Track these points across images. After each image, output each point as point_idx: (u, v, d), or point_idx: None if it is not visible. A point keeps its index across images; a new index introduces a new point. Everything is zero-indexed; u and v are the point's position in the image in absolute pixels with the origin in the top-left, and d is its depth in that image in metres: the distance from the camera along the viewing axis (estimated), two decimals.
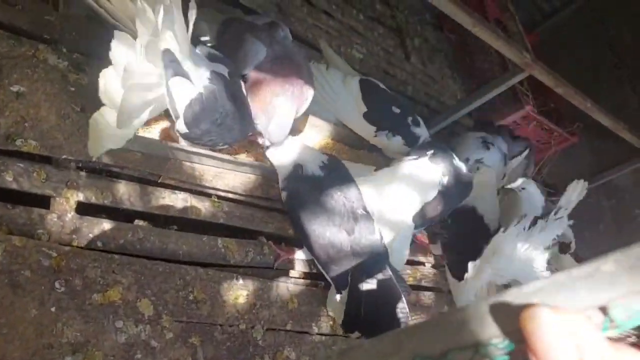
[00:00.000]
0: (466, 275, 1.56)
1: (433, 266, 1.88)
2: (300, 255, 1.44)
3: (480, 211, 1.77)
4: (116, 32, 0.97)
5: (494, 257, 1.52)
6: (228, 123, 1.25)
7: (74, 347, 0.96)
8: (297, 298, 1.39)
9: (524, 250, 1.61)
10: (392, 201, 1.47)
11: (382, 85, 1.81)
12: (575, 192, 1.73)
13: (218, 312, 1.21)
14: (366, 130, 1.76)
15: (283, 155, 1.40)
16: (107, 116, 1.00)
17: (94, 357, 0.98)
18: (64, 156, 1.11)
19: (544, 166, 2.98)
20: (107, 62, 0.98)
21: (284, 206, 1.42)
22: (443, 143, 1.84)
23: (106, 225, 1.13)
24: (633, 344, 0.31)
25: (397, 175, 1.51)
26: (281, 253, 1.41)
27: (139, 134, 1.27)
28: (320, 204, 1.30)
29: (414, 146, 1.71)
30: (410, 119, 1.76)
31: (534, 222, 1.61)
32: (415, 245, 1.85)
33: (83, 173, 1.15)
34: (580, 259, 2.16)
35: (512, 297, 0.34)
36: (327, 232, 1.28)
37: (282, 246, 1.44)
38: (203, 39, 1.45)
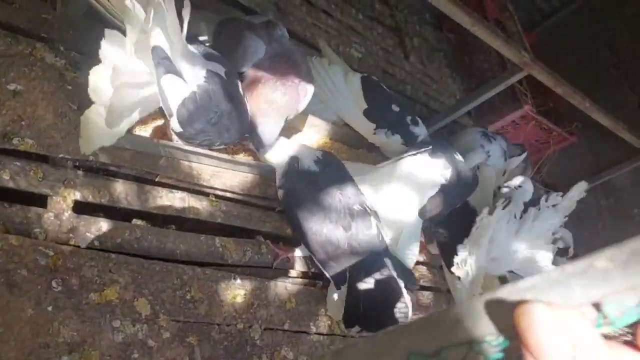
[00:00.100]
0: (455, 259, 1.56)
1: (431, 266, 1.88)
2: (298, 253, 1.44)
3: (478, 210, 1.77)
4: (107, 31, 0.97)
5: (482, 241, 1.51)
6: (224, 123, 1.24)
7: (70, 346, 0.96)
8: (295, 297, 1.38)
9: (524, 243, 1.61)
10: (396, 197, 1.48)
11: (381, 84, 1.81)
12: (577, 192, 1.73)
13: (215, 312, 1.20)
14: (365, 127, 1.76)
15: (280, 154, 1.39)
16: (97, 114, 1.00)
17: (91, 356, 0.97)
18: (60, 155, 1.11)
19: (543, 166, 2.98)
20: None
21: (280, 204, 1.42)
22: (443, 140, 1.84)
23: (103, 224, 1.12)
24: (626, 342, 0.30)
25: (399, 171, 1.52)
26: (279, 252, 1.41)
27: (136, 133, 1.27)
28: (317, 201, 1.30)
29: (412, 145, 1.71)
30: (409, 118, 1.76)
31: (525, 210, 1.61)
32: None
33: (80, 172, 1.14)
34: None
35: (506, 293, 0.33)
36: (324, 228, 1.28)
37: (280, 245, 1.43)
38: (201, 38, 1.45)
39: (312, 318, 1.40)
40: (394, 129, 1.72)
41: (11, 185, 1.03)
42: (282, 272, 1.44)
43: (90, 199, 1.13)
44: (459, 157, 1.61)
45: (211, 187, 1.35)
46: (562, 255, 1.88)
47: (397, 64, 2.47)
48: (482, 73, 2.86)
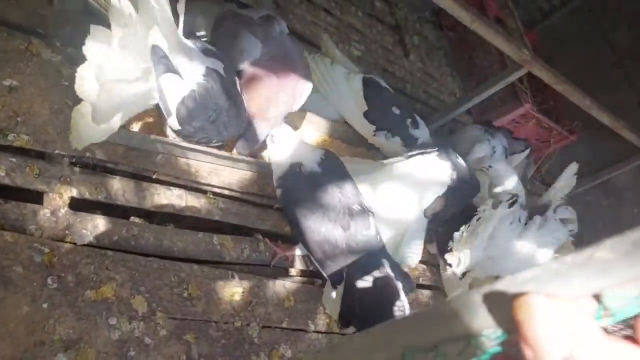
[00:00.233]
0: (450, 243, 1.56)
1: (430, 265, 1.87)
2: (297, 251, 1.43)
3: (474, 203, 1.77)
4: (92, 27, 0.96)
5: (481, 232, 1.51)
6: (222, 120, 1.24)
7: (66, 344, 0.95)
8: (293, 295, 1.37)
9: (524, 250, 1.61)
10: (402, 195, 1.48)
11: (384, 84, 1.80)
12: (569, 174, 1.75)
13: (213, 309, 1.20)
14: (365, 128, 1.76)
15: (281, 152, 1.38)
16: (87, 110, 0.99)
17: (87, 354, 0.96)
18: (57, 151, 1.10)
19: (543, 164, 2.98)
20: None
21: (279, 202, 1.41)
22: (445, 141, 1.84)
23: (100, 221, 1.12)
24: (626, 337, 0.30)
25: (406, 170, 1.52)
26: (278, 250, 1.40)
27: (133, 129, 1.26)
28: (316, 200, 1.29)
29: (412, 147, 1.71)
30: (409, 120, 1.76)
31: (531, 217, 1.60)
32: None
33: (77, 168, 1.13)
34: None
35: (505, 286, 0.33)
36: (322, 227, 1.27)
37: (278, 243, 1.43)
38: (199, 33, 1.44)
39: (310, 316, 1.39)
40: (393, 131, 1.73)
41: (7, 181, 1.02)
42: (281, 270, 1.43)
43: (86, 195, 1.12)
44: (461, 160, 1.61)
45: (209, 185, 1.35)
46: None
47: (396, 62, 2.46)
48: (482, 71, 2.85)
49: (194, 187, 1.33)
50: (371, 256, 1.32)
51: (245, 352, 1.21)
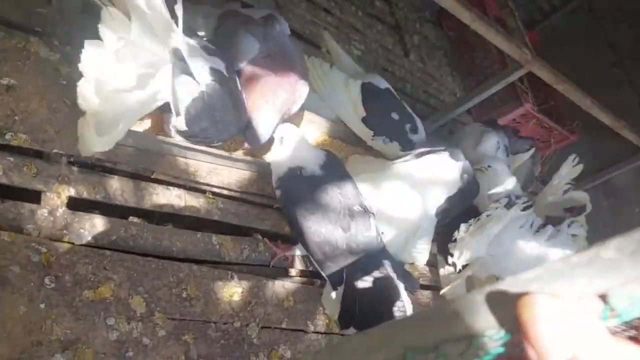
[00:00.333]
0: (456, 234, 1.56)
1: (431, 265, 1.86)
2: (297, 252, 1.43)
3: (474, 203, 1.77)
4: (86, 41, 0.96)
5: (489, 228, 1.51)
6: (226, 119, 1.23)
7: (63, 344, 0.94)
8: (293, 296, 1.37)
9: (527, 257, 1.60)
10: (413, 195, 1.48)
11: (383, 86, 1.79)
12: (568, 165, 1.77)
13: (212, 310, 1.19)
14: (363, 133, 1.77)
15: (282, 152, 1.37)
16: (91, 121, 0.99)
17: (84, 354, 0.96)
18: (55, 150, 1.09)
19: (543, 164, 2.97)
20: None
21: (278, 203, 1.40)
22: (444, 142, 1.85)
23: (98, 221, 1.11)
24: (631, 338, 0.29)
25: (418, 169, 1.52)
26: (277, 251, 1.39)
27: (132, 129, 1.25)
28: (316, 201, 1.28)
29: (411, 150, 1.71)
30: (408, 126, 1.77)
31: (544, 226, 1.60)
32: None
33: (75, 168, 1.13)
34: None
35: (508, 285, 0.32)
36: (322, 229, 1.26)
37: (278, 243, 1.42)
38: (200, 33, 1.43)
39: (310, 316, 1.38)
40: (392, 136, 1.73)
41: (4, 181, 1.02)
42: (280, 270, 1.42)
43: (85, 195, 1.11)
44: (467, 161, 1.61)
45: (208, 184, 1.34)
46: (579, 213, 1.87)
47: (396, 62, 2.46)
48: (482, 71, 2.84)
49: (193, 186, 1.32)
50: (371, 257, 1.31)
51: (244, 353, 1.20)
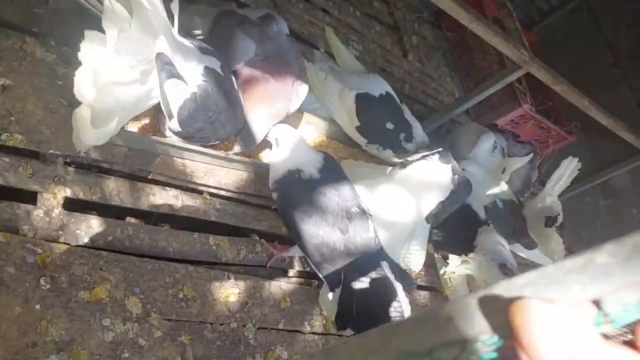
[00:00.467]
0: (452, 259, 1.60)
1: (428, 265, 1.86)
2: (294, 252, 1.42)
3: (467, 201, 1.78)
4: (86, 32, 0.95)
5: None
6: (221, 119, 1.23)
7: (58, 345, 0.94)
8: (290, 297, 1.37)
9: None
10: (407, 201, 1.48)
11: (382, 91, 1.79)
12: (569, 169, 1.80)
13: (208, 311, 1.18)
14: (358, 139, 1.79)
15: (280, 154, 1.37)
16: (86, 114, 0.98)
17: (80, 355, 0.95)
18: (51, 151, 1.09)
19: (541, 165, 2.97)
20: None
21: (275, 205, 1.40)
22: (441, 143, 1.86)
23: (94, 221, 1.10)
24: (626, 342, 0.29)
25: (411, 175, 1.53)
26: (275, 252, 1.39)
27: (129, 129, 1.25)
28: (313, 204, 1.27)
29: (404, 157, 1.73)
30: (403, 135, 1.78)
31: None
32: None
33: (71, 168, 1.12)
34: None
35: (501, 290, 0.32)
36: (320, 231, 1.25)
37: (275, 244, 1.42)
38: (196, 32, 1.43)
39: (307, 317, 1.38)
40: (385, 144, 1.75)
41: (0, 181, 1.01)
42: (277, 271, 1.42)
43: (81, 196, 1.11)
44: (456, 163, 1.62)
45: (205, 185, 1.33)
46: (551, 223, 1.89)
47: (395, 63, 2.45)
48: (480, 72, 2.84)
49: (190, 187, 1.32)
50: (369, 258, 1.31)
51: (240, 354, 1.20)
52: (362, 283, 1.28)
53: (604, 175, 2.79)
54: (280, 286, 1.36)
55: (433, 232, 1.76)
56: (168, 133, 1.23)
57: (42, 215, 1.04)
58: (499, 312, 0.31)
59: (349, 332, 1.36)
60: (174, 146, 1.26)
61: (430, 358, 0.35)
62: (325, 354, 0.43)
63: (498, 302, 0.32)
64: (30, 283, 0.96)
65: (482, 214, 1.79)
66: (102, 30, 0.97)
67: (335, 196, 1.29)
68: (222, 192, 1.38)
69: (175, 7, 1.03)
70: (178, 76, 1.05)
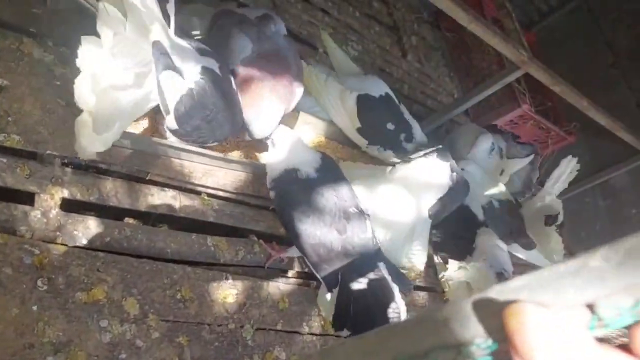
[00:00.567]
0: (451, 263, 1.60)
1: (427, 266, 1.86)
2: (292, 253, 1.42)
3: (465, 202, 1.79)
4: (83, 38, 0.95)
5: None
6: (219, 119, 1.22)
7: (56, 346, 0.94)
8: (288, 297, 1.36)
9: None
10: (407, 199, 1.49)
11: (382, 92, 1.79)
12: (568, 168, 1.82)
13: (206, 312, 1.18)
14: (359, 141, 1.80)
15: (277, 153, 1.37)
16: (87, 120, 0.98)
17: (77, 357, 0.95)
18: (48, 152, 1.09)
19: (541, 166, 2.97)
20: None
21: (272, 204, 1.40)
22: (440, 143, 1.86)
23: (91, 222, 1.10)
24: (621, 346, 0.29)
25: (410, 173, 1.54)
26: (273, 252, 1.39)
27: (127, 130, 1.25)
28: (311, 204, 1.27)
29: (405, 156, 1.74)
30: (403, 135, 1.79)
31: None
32: None
33: (68, 169, 1.12)
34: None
35: (496, 293, 0.32)
36: (317, 231, 1.25)
37: (273, 245, 1.41)
38: (194, 33, 1.43)
39: (305, 318, 1.38)
40: (386, 145, 1.76)
41: None
42: (276, 271, 1.42)
43: (78, 196, 1.11)
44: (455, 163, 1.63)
45: (203, 186, 1.33)
46: (551, 222, 1.90)
47: (394, 63, 2.45)
48: (480, 72, 2.84)
49: (188, 188, 1.31)
50: (366, 258, 1.31)
51: (238, 355, 1.20)
52: (359, 284, 1.27)
53: (604, 175, 2.79)
54: (278, 287, 1.36)
55: (432, 232, 1.76)
56: (167, 134, 1.23)
57: (39, 216, 1.04)
58: (494, 316, 0.31)
59: (345, 333, 1.36)
60: (172, 147, 1.26)
61: None
62: (322, 356, 0.43)
63: (492, 306, 0.31)
64: (28, 284, 0.96)
65: (480, 215, 1.79)
66: (99, 33, 0.97)
67: (332, 196, 1.29)
68: (220, 193, 1.37)
69: (171, 8, 1.03)
70: (174, 68, 1.05)
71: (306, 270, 1.46)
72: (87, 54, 0.96)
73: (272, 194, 1.34)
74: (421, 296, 1.78)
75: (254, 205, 1.44)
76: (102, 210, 1.17)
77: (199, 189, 1.33)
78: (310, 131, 1.71)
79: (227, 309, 1.22)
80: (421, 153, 1.57)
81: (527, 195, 2.26)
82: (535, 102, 2.69)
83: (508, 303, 0.30)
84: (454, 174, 1.56)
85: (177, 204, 1.26)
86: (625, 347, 0.29)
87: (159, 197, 1.24)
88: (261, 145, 1.39)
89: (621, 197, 2.94)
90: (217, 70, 1.21)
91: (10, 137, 1.04)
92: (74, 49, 1.16)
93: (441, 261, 1.78)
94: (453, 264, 1.72)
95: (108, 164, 1.18)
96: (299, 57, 1.46)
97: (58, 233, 1.05)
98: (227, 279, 1.25)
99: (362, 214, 1.32)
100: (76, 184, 1.11)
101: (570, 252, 2.07)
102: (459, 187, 1.60)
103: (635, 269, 0.27)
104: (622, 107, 2.77)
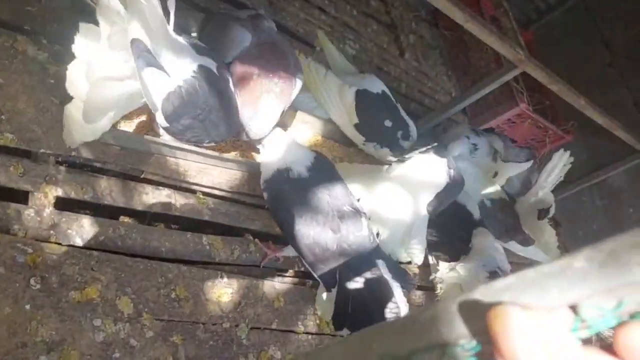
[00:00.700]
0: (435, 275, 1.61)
1: (423, 265, 1.86)
2: (288, 252, 1.42)
3: (462, 201, 1.79)
4: (81, 25, 0.95)
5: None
6: (213, 119, 1.22)
7: (48, 346, 0.94)
8: (283, 296, 1.36)
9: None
10: (405, 195, 1.49)
11: (378, 90, 1.79)
12: (561, 161, 1.82)
13: (201, 311, 1.18)
14: (356, 138, 1.79)
15: (271, 153, 1.36)
16: (78, 108, 0.97)
17: (70, 356, 0.95)
18: (42, 150, 1.08)
19: (539, 166, 2.96)
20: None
21: (266, 205, 1.40)
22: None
23: (85, 221, 1.10)
24: (604, 347, 0.28)
25: (408, 170, 1.54)
26: (268, 251, 1.38)
27: (121, 128, 1.24)
28: (304, 203, 1.27)
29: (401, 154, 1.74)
30: (400, 133, 1.79)
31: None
32: None
33: (62, 168, 1.12)
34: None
35: (480, 294, 0.31)
36: (311, 231, 1.25)
37: (269, 244, 1.41)
38: (193, 34, 1.43)
39: (300, 317, 1.38)
40: (383, 142, 1.76)
41: None
42: (271, 270, 1.42)
43: (72, 195, 1.10)
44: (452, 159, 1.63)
45: (198, 184, 1.33)
46: (544, 216, 1.91)
47: (391, 61, 2.45)
48: (477, 71, 2.83)
49: (183, 186, 1.31)
50: (364, 257, 1.30)
51: (233, 354, 1.19)
52: (357, 283, 1.27)
53: (601, 174, 2.78)
54: (273, 286, 1.36)
55: (428, 231, 1.76)
56: (161, 132, 1.23)
57: (33, 214, 1.04)
58: (478, 317, 0.31)
59: (345, 332, 1.36)
60: (166, 145, 1.25)
61: None
62: (307, 357, 0.43)
63: (477, 307, 0.31)
64: (21, 283, 0.95)
65: (476, 214, 1.79)
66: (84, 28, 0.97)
67: (325, 195, 1.28)
68: (216, 192, 1.37)
69: (171, 4, 1.02)
70: (157, 65, 1.03)
71: (302, 269, 1.46)
72: (85, 41, 0.96)
73: (265, 194, 1.34)
74: (418, 295, 1.78)
75: (249, 204, 1.44)
76: (96, 209, 1.17)
77: (194, 187, 1.33)
78: (307, 130, 1.70)
79: (222, 308, 1.22)
80: (417, 151, 1.57)
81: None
82: (533, 101, 2.69)
83: (492, 305, 0.30)
84: (451, 170, 1.56)
85: (172, 203, 1.26)
86: (609, 349, 0.29)
87: (153, 196, 1.24)
88: (255, 146, 1.39)
89: (619, 196, 2.94)
90: (214, 70, 1.21)
91: (4, 135, 1.03)
92: (68, 47, 1.16)
93: (434, 261, 1.78)
94: (444, 266, 1.72)
95: (102, 162, 1.18)
96: (294, 50, 1.46)
97: (52, 232, 1.05)
98: (222, 277, 1.25)
99: (357, 212, 1.31)
100: (70, 183, 1.11)
101: (568, 251, 2.06)
102: (456, 183, 1.60)
103: (619, 270, 0.27)
104: (619, 106, 2.77)
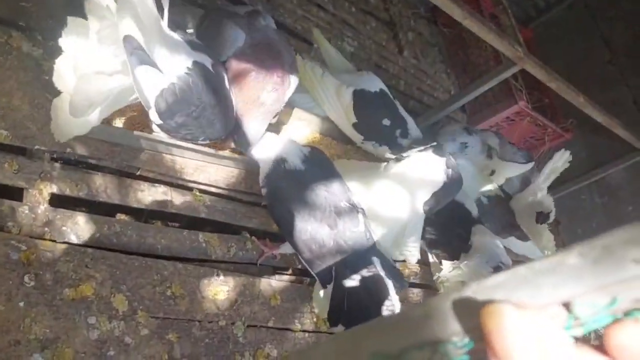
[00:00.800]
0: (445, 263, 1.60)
1: (421, 263, 1.85)
2: (285, 250, 1.41)
3: (460, 199, 1.78)
4: (69, 18, 0.94)
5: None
6: (207, 116, 1.20)
7: (42, 343, 0.93)
8: (280, 294, 1.36)
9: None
10: (402, 194, 1.49)
11: (377, 88, 1.78)
12: (561, 161, 1.82)
13: (197, 308, 1.18)
14: (354, 136, 1.78)
15: (266, 151, 1.36)
16: (65, 103, 0.97)
17: (64, 353, 0.94)
18: (37, 147, 1.07)
19: (539, 166, 2.96)
20: None
21: (264, 201, 1.39)
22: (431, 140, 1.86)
23: (80, 218, 1.09)
24: (596, 346, 0.28)
25: (406, 168, 1.54)
26: (265, 249, 1.38)
27: (116, 125, 1.24)
28: (301, 199, 1.26)
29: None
30: (399, 131, 1.78)
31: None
32: None
33: (57, 164, 1.11)
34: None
35: (473, 292, 0.31)
36: (308, 227, 1.24)
37: (266, 242, 1.41)
38: (188, 31, 1.42)
39: (297, 315, 1.37)
40: (381, 141, 1.75)
41: None
42: (268, 268, 1.41)
43: (67, 192, 1.10)
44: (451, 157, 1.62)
45: (194, 182, 1.32)
46: (543, 221, 1.90)
47: (390, 59, 2.44)
48: (477, 68, 2.83)
49: (179, 184, 1.30)
50: (360, 254, 1.30)
51: (229, 352, 1.19)
52: (353, 280, 1.27)
53: (600, 172, 2.78)
54: (270, 283, 1.35)
55: (426, 229, 1.76)
56: (155, 128, 1.22)
57: (27, 211, 1.03)
58: (470, 314, 0.30)
59: (340, 328, 1.35)
60: (162, 142, 1.24)
61: None
62: (298, 356, 0.42)
63: (470, 304, 0.31)
64: (14, 280, 0.95)
65: (475, 212, 1.79)
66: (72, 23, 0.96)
67: (323, 191, 1.28)
68: (212, 189, 1.36)
69: (165, 1, 1.01)
70: (150, 62, 1.03)
71: (299, 267, 1.45)
72: (73, 35, 0.95)
73: (263, 191, 1.33)
74: (415, 293, 1.77)
75: (246, 202, 1.43)
76: (92, 206, 1.16)
77: (191, 184, 1.32)
78: (304, 127, 1.70)
79: (218, 305, 1.22)
80: (416, 149, 1.57)
81: None
82: (532, 98, 2.68)
83: (485, 302, 0.30)
84: (449, 169, 1.55)
85: (168, 200, 1.25)
86: (601, 348, 0.28)
87: (149, 193, 1.23)
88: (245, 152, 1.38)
89: (618, 194, 2.94)
90: (209, 67, 1.20)
91: None
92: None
93: (436, 260, 1.77)
94: (447, 265, 1.72)
95: (97, 159, 1.17)
96: (291, 49, 1.44)
97: (46, 229, 1.04)
98: (218, 275, 1.25)
99: (354, 208, 1.31)
100: (65, 180, 1.10)
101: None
102: (453, 182, 1.59)
103: (612, 267, 0.26)
104: (619, 104, 2.76)
